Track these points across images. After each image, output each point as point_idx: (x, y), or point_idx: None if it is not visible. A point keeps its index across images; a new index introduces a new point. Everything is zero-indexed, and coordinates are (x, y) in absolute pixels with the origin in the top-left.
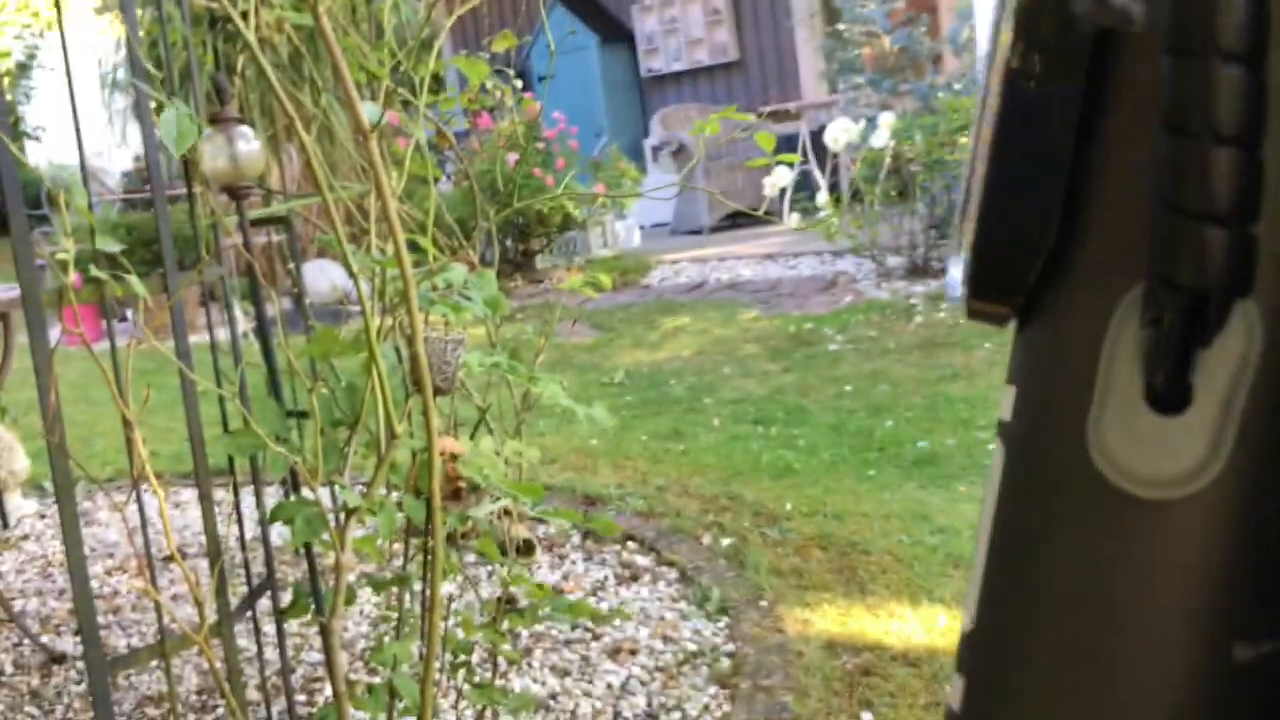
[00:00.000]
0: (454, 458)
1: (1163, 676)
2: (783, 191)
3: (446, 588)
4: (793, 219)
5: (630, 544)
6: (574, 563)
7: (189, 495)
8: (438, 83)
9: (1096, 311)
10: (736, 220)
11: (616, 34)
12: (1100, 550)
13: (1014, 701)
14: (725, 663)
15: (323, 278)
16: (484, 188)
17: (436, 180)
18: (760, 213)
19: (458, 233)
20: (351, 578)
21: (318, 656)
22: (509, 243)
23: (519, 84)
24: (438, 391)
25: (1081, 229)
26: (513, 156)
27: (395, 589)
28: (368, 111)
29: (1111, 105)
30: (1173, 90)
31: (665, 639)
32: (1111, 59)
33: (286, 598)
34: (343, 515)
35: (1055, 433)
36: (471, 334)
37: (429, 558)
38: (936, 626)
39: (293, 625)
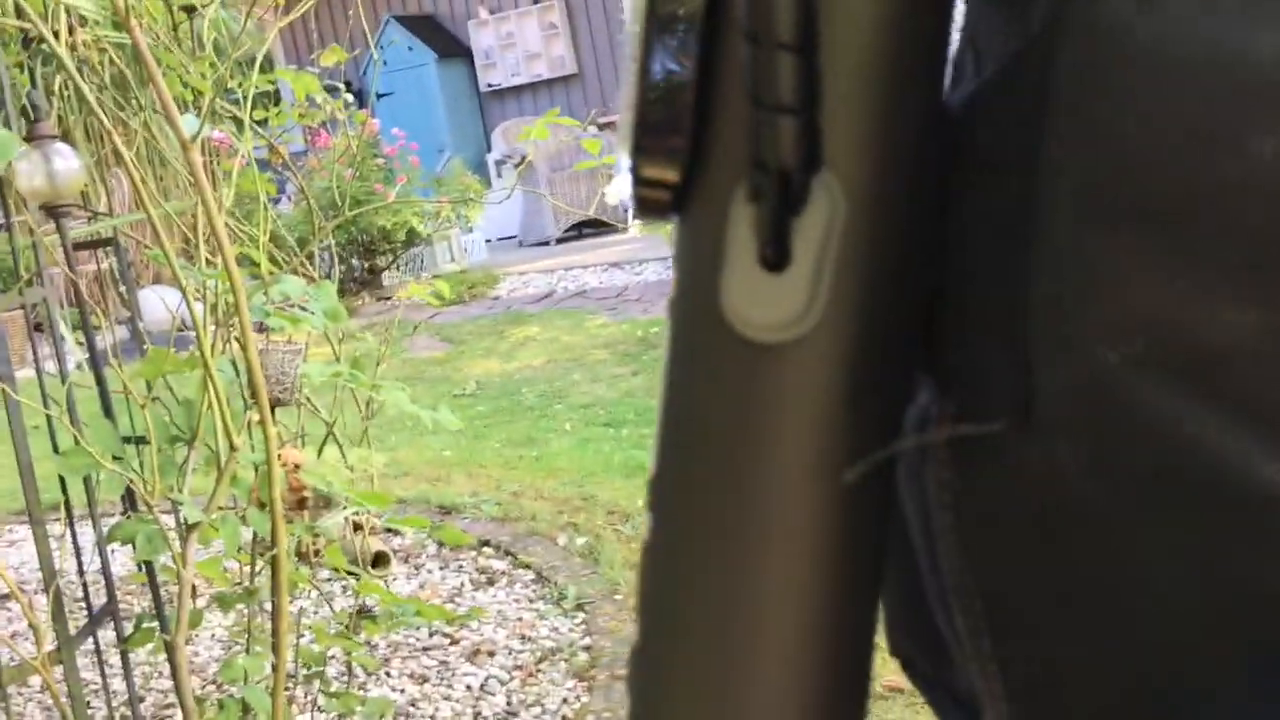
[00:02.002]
0: (296, 467)
1: (785, 495)
2: (625, 200)
3: (301, 604)
4: (635, 226)
5: (486, 549)
6: (430, 571)
7: (24, 533)
8: (274, 101)
9: (721, 195)
10: (582, 230)
11: (454, 50)
12: (733, 388)
13: (679, 525)
14: (583, 656)
15: (159, 304)
16: (324, 206)
17: (272, 196)
18: (606, 219)
19: (297, 251)
20: (201, 602)
21: (169, 684)
22: (355, 261)
23: (350, 99)
24: (277, 402)
25: (708, 130)
26: (351, 173)
27: (245, 607)
28: (187, 124)
29: (721, 25)
30: (745, 6)
31: (523, 638)
32: None
33: (130, 628)
34: (184, 532)
35: (697, 296)
36: (318, 352)
37: (275, 567)
38: None
39: (141, 655)
